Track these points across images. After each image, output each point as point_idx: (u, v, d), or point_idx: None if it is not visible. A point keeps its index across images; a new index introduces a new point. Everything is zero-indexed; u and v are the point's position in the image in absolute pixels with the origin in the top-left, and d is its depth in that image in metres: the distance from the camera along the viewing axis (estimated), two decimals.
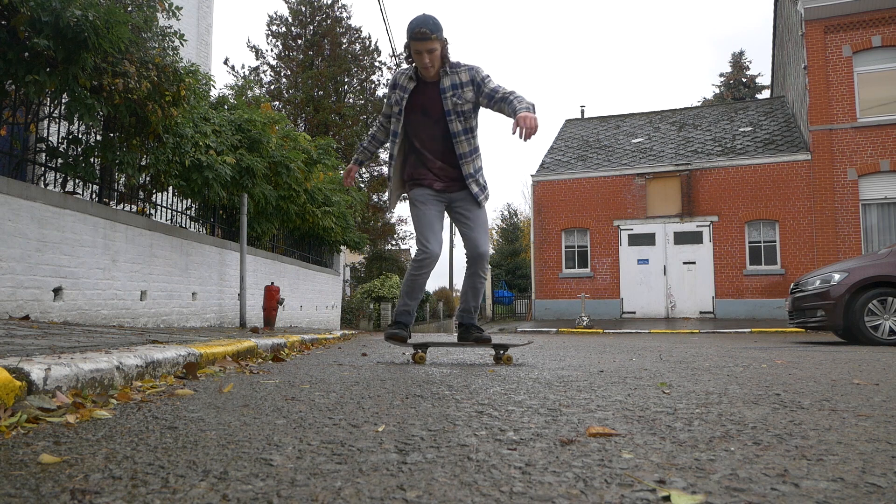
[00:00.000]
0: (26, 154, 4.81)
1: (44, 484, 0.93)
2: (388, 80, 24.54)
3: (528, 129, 3.03)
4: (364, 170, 24.31)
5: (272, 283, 8.40)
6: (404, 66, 3.55)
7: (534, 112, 3.13)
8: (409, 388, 2.19)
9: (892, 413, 1.65)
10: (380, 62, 24.27)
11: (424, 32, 3.22)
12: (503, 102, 3.35)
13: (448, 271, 33.81)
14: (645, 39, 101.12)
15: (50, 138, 4.85)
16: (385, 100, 3.62)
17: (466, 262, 3.69)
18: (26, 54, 4.16)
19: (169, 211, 6.85)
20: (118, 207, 5.84)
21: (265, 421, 1.50)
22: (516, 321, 19.96)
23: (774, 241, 15.30)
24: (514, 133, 3.10)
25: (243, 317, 7.40)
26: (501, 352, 3.55)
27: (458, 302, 3.78)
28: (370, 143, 3.84)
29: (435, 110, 3.44)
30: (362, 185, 22.32)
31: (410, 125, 3.52)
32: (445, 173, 3.53)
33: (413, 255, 3.59)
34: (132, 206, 6.17)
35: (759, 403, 1.83)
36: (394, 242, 26.76)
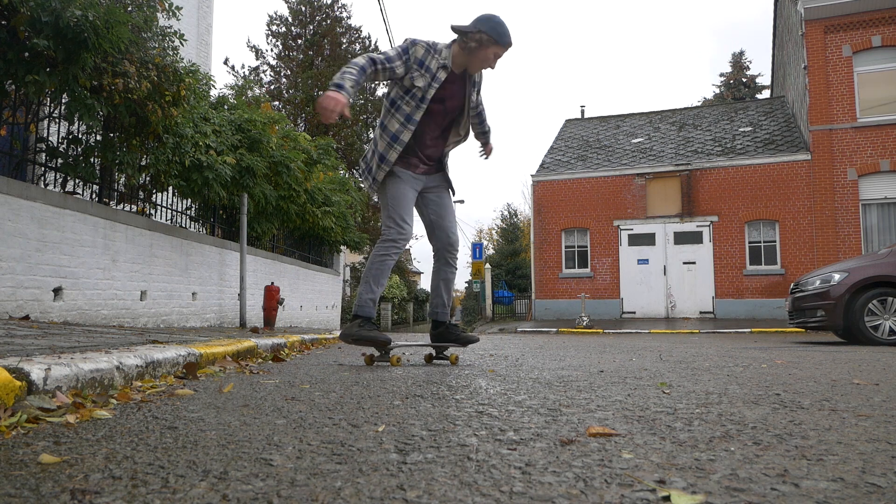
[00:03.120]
0: (26, 154, 4.81)
1: (44, 484, 0.93)
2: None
3: (490, 154, 3.74)
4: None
5: (272, 283, 8.40)
6: (430, 44, 3.17)
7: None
8: (409, 388, 2.19)
9: (892, 413, 1.65)
10: None
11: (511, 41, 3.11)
12: (480, 117, 3.55)
13: None
14: (645, 38, 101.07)
15: (50, 138, 4.85)
16: (399, 61, 3.15)
17: (436, 253, 3.46)
18: (26, 54, 4.16)
19: (169, 211, 6.85)
20: (118, 207, 5.84)
21: (265, 421, 1.50)
22: (516, 321, 19.96)
23: (774, 241, 15.30)
24: (485, 156, 3.74)
25: (243, 317, 7.40)
26: (446, 351, 3.51)
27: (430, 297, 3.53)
28: (361, 76, 3.09)
29: (453, 102, 3.28)
30: (362, 185, 22.32)
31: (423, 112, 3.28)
32: (429, 157, 3.39)
33: (385, 235, 3.27)
34: (132, 206, 6.17)
35: (759, 403, 1.83)
36: None
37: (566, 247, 17.27)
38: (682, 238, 16.03)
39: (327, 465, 1.07)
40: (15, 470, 1.01)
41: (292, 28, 24.02)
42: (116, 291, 5.36)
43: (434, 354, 3.53)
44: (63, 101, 4.71)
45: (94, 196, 5.52)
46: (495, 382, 2.40)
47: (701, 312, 15.71)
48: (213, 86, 6.92)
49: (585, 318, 13.52)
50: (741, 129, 17.50)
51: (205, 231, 7.84)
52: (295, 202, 8.84)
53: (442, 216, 3.44)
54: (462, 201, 43.16)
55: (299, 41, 23.79)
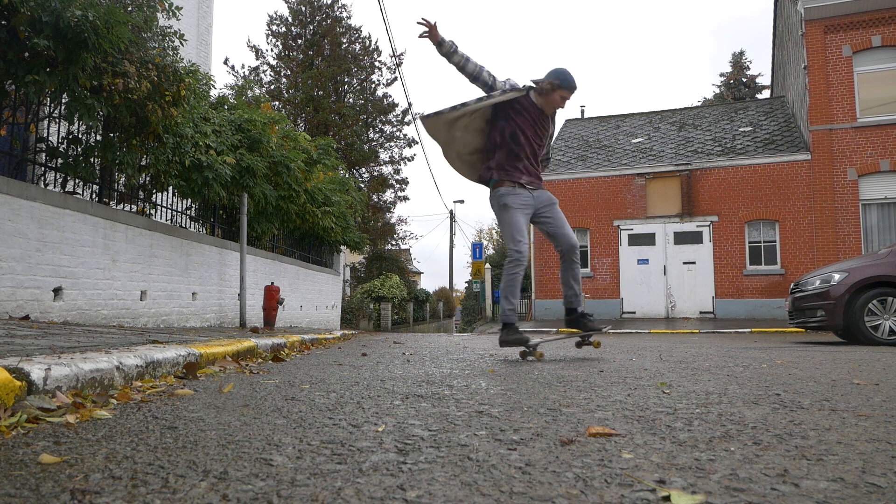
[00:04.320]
0: (26, 154, 4.81)
1: (44, 484, 0.93)
2: (388, 80, 24.53)
3: None
4: (364, 170, 24.30)
5: (272, 283, 8.40)
6: (514, 87, 3.95)
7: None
8: (409, 388, 2.19)
9: (892, 413, 1.65)
10: (380, 62, 24.27)
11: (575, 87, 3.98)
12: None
13: (448, 271, 33.83)
14: (645, 38, 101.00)
15: (50, 138, 4.85)
16: (496, 86, 3.96)
17: (562, 256, 4.17)
18: (26, 54, 4.16)
19: (169, 211, 6.85)
20: (118, 207, 5.84)
21: (265, 421, 1.50)
22: None
23: (774, 241, 15.30)
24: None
25: (243, 317, 7.40)
26: (591, 337, 4.17)
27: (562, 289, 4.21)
28: (481, 77, 3.94)
29: (540, 130, 4.09)
30: (362, 186, 22.29)
31: (518, 127, 4.01)
32: (529, 170, 4.09)
33: (508, 257, 3.97)
34: (132, 206, 6.17)
35: (759, 403, 1.83)
36: (394, 242, 26.78)
37: None
38: (682, 238, 16.03)
39: (327, 465, 1.07)
40: (15, 470, 1.01)
41: (292, 28, 24.01)
42: (116, 291, 5.36)
43: (582, 341, 4.21)
44: (63, 101, 4.71)
45: (94, 196, 5.51)
46: (495, 382, 2.40)
47: (701, 312, 15.71)
48: (213, 86, 6.91)
49: None
50: (741, 129, 17.49)
51: (205, 231, 7.84)
52: (295, 202, 8.83)
53: (558, 226, 4.14)
54: (462, 201, 42.97)
55: (299, 41, 23.77)
